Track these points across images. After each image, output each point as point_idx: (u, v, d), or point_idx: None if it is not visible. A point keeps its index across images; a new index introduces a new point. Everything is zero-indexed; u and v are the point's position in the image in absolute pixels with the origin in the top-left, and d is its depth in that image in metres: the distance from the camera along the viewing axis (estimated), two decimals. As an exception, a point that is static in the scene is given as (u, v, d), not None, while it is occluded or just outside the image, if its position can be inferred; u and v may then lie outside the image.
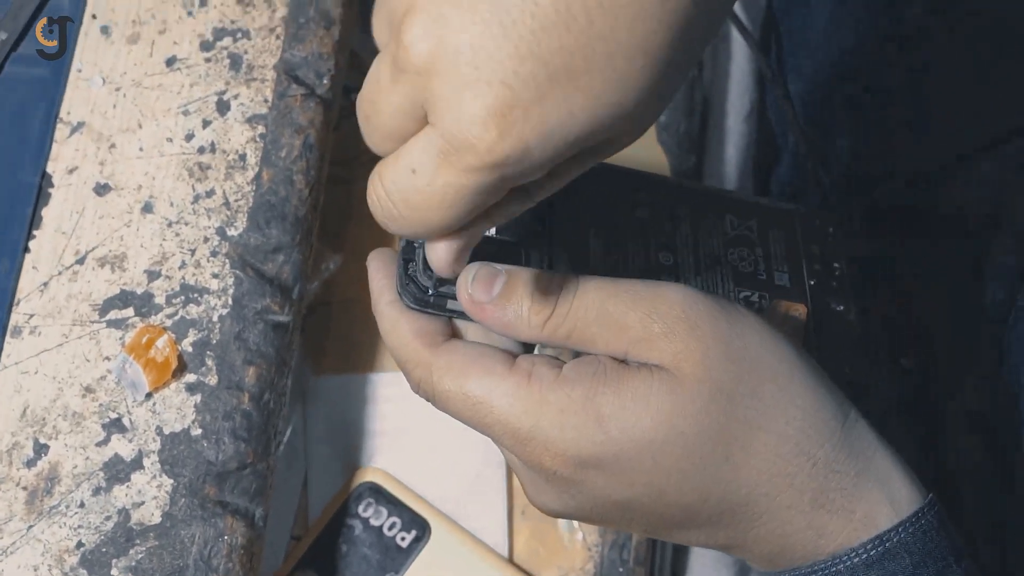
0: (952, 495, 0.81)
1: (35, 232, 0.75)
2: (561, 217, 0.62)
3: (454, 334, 0.59)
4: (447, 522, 0.82)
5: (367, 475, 0.84)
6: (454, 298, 0.57)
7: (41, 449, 0.70)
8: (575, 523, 0.82)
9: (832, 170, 0.93)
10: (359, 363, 0.88)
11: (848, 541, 0.56)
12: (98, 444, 0.71)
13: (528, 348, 0.59)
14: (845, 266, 0.67)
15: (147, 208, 0.76)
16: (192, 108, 0.78)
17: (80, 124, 0.78)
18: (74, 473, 0.70)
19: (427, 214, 0.48)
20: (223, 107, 0.78)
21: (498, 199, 0.49)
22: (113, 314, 0.73)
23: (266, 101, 0.79)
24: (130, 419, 0.71)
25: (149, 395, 0.72)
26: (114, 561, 0.68)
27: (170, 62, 0.79)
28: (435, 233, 0.50)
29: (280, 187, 0.76)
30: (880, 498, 0.56)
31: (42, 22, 0.80)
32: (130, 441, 0.71)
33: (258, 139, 0.78)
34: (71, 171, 0.77)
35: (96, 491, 0.70)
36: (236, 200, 0.76)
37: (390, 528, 0.82)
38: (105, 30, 0.80)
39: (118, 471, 0.70)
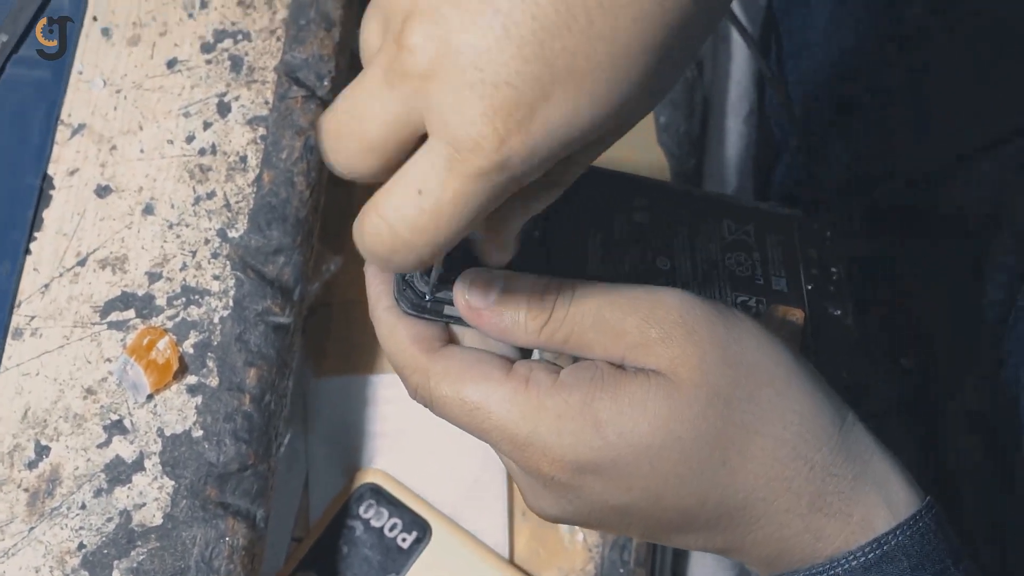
0: (952, 495, 0.81)
1: (36, 234, 0.75)
2: (558, 222, 0.62)
3: (451, 340, 0.59)
4: (448, 523, 0.82)
5: (368, 476, 0.84)
6: (451, 303, 0.57)
7: (42, 451, 0.71)
8: (575, 525, 0.83)
9: (832, 170, 0.93)
10: (360, 365, 0.88)
11: (846, 544, 0.56)
12: (99, 446, 0.71)
13: (526, 353, 0.59)
14: (843, 270, 0.67)
15: (148, 210, 0.76)
16: (193, 110, 0.78)
17: (81, 126, 0.78)
18: (75, 475, 0.70)
19: (434, 235, 0.48)
20: (224, 109, 0.78)
21: (498, 204, 0.49)
22: (114, 316, 0.74)
23: (267, 103, 0.79)
24: (131, 421, 0.71)
25: (150, 397, 0.72)
26: (115, 563, 0.68)
27: (171, 64, 0.79)
28: (444, 248, 0.49)
29: (281, 189, 0.76)
30: (877, 501, 0.56)
31: (42, 22, 0.80)
32: (131, 443, 0.71)
33: (259, 141, 0.78)
34: (72, 173, 0.77)
35: (97, 493, 0.70)
36: (237, 202, 0.76)
37: (391, 529, 0.82)
38: (106, 32, 0.80)
39: (119, 473, 0.70)
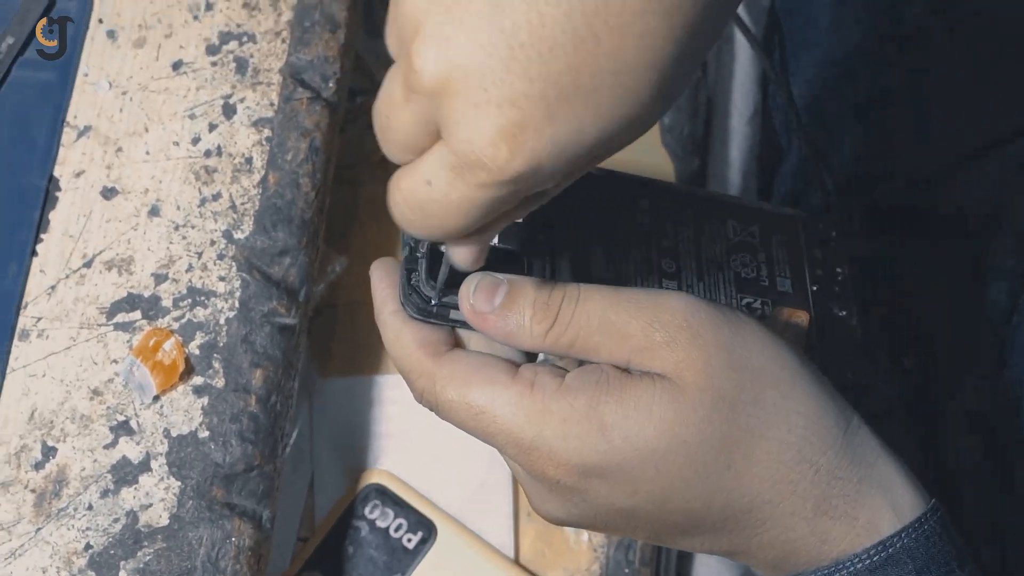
0: (952, 495, 0.81)
1: (42, 236, 0.76)
2: (563, 225, 0.62)
3: (457, 344, 0.59)
4: (453, 524, 0.82)
5: (373, 477, 0.84)
6: (457, 308, 0.57)
7: (49, 452, 0.71)
8: (580, 526, 0.83)
9: (835, 171, 0.93)
10: (365, 365, 0.88)
11: (851, 547, 0.56)
12: (106, 447, 0.71)
13: (531, 357, 0.60)
14: (848, 271, 0.67)
15: (154, 211, 0.76)
16: (198, 112, 0.79)
17: (87, 128, 0.78)
18: (82, 475, 0.70)
19: (444, 221, 0.49)
20: (229, 111, 0.79)
21: (513, 206, 0.50)
22: (120, 317, 0.74)
23: (272, 104, 0.79)
24: (137, 422, 0.72)
25: (156, 398, 0.72)
26: (122, 563, 0.69)
27: (176, 66, 0.80)
28: (453, 236, 0.51)
29: (286, 190, 0.77)
30: (883, 504, 0.57)
31: (42, 22, 0.80)
32: (138, 443, 0.71)
33: (264, 142, 0.78)
34: (78, 175, 0.77)
35: (104, 493, 0.70)
36: (242, 203, 0.77)
37: (396, 530, 0.82)
38: (111, 34, 0.80)
39: (126, 473, 0.71)
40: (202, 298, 0.74)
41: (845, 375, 0.64)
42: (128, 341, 0.73)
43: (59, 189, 0.77)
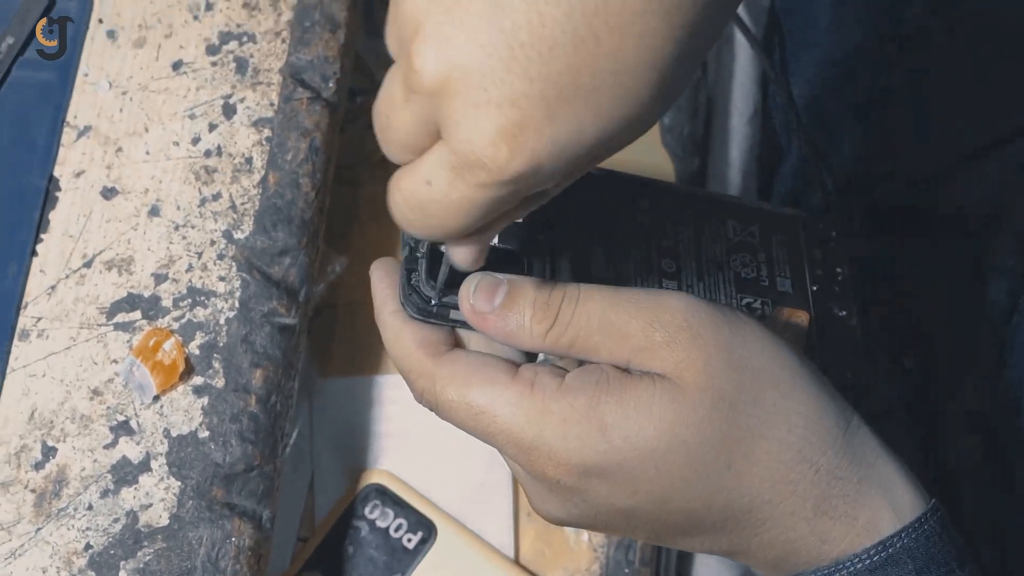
0: (952, 495, 0.81)
1: (42, 236, 0.76)
2: (563, 225, 0.62)
3: (457, 344, 0.59)
4: (453, 524, 0.82)
5: (373, 477, 0.84)
6: (457, 308, 0.57)
7: (49, 452, 0.71)
8: (580, 526, 0.83)
9: (835, 171, 0.93)
10: (365, 365, 0.88)
11: (851, 547, 0.56)
12: (106, 447, 0.71)
13: (531, 357, 0.60)
14: (848, 271, 0.67)
15: (154, 211, 0.76)
16: (198, 112, 0.79)
17: (87, 128, 0.78)
18: (82, 475, 0.70)
19: (444, 221, 0.49)
20: (229, 111, 0.79)
21: (513, 206, 0.50)
22: (120, 317, 0.74)
23: (272, 105, 0.79)
24: (138, 422, 0.72)
25: (156, 398, 0.72)
26: (122, 563, 0.69)
27: (176, 66, 0.80)
28: (453, 236, 0.51)
29: (286, 190, 0.77)
30: (883, 504, 0.57)
31: (42, 22, 0.80)
32: (138, 443, 0.71)
33: (264, 142, 0.78)
34: (78, 175, 0.77)
35: (104, 493, 0.70)
36: (242, 203, 0.77)
37: (396, 530, 0.82)
38: (111, 34, 0.80)
39: (126, 473, 0.71)
40: (202, 298, 0.74)
41: (845, 375, 0.64)
42: (128, 341, 0.73)
43: (59, 189, 0.77)
